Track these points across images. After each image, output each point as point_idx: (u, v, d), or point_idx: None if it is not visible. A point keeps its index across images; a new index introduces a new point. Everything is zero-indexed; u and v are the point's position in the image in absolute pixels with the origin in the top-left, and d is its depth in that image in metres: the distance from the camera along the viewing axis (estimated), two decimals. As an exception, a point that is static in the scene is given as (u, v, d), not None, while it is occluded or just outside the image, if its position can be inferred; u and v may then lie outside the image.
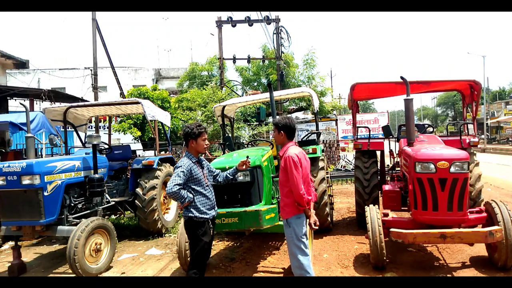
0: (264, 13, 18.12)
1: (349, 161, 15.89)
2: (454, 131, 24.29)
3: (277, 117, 4.09)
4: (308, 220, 3.71)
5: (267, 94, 6.62)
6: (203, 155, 4.32)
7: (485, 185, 7.52)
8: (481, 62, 61.29)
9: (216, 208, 4.06)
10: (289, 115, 4.21)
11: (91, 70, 16.14)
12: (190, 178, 3.77)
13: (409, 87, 5.24)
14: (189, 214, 3.78)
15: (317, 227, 3.75)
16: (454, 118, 55.28)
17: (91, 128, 17.04)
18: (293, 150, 3.71)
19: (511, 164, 18.52)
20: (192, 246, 3.88)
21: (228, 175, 4.23)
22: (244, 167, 4.20)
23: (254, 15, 25.80)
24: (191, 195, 3.75)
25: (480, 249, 5.35)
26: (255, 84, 25.74)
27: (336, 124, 21.55)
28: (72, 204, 5.81)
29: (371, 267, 4.96)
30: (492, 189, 10.82)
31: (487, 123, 37.71)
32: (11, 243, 6.36)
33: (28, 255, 6.46)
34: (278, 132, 3.87)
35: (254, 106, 17.33)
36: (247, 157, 4.25)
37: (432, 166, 4.57)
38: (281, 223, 4.75)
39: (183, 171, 3.70)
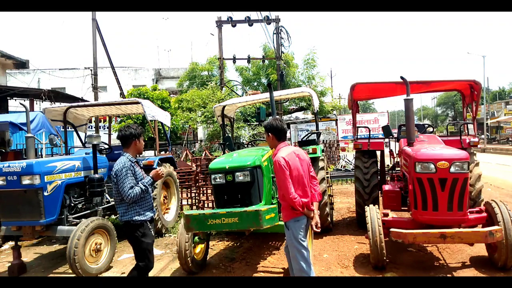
0: (264, 13, 18.13)
1: (349, 161, 15.89)
2: (454, 131, 24.32)
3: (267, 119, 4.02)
4: (310, 221, 3.66)
5: (267, 94, 6.63)
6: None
7: (485, 185, 7.52)
8: (481, 62, 61.39)
9: (154, 209, 3.96)
10: (277, 116, 4.16)
11: (91, 70, 16.15)
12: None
13: (409, 87, 5.24)
14: (127, 218, 3.73)
15: (318, 230, 3.70)
16: (454, 118, 55.29)
17: (91, 128, 17.04)
18: (281, 153, 3.62)
19: (511, 164, 18.52)
20: (134, 249, 3.83)
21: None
22: (157, 178, 3.94)
23: (254, 15, 25.86)
24: (139, 186, 3.70)
25: (480, 249, 5.35)
26: (255, 84, 25.73)
27: (336, 124, 21.54)
28: (72, 204, 5.81)
29: (371, 267, 4.96)
30: (492, 189, 10.82)
31: (487, 123, 37.72)
32: (11, 243, 6.36)
33: (28, 255, 6.46)
34: (267, 134, 3.84)
35: (254, 106, 17.33)
36: (158, 168, 3.99)
37: (432, 166, 4.57)
38: (281, 223, 4.75)
39: (130, 170, 3.66)
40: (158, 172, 3.90)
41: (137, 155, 4.02)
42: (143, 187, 3.72)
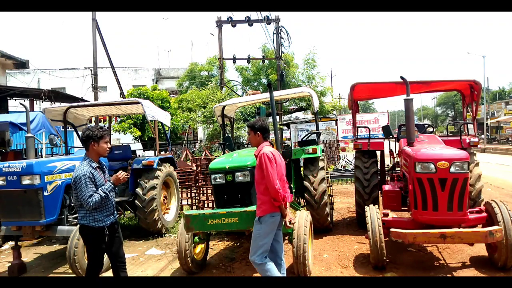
0: (264, 13, 18.07)
1: (349, 161, 15.88)
2: (454, 131, 24.31)
3: (252, 120, 4.13)
4: (283, 219, 3.76)
5: (267, 94, 6.63)
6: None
7: (485, 185, 7.51)
8: (481, 62, 61.38)
9: (115, 213, 3.93)
10: (263, 116, 4.26)
11: (91, 70, 16.13)
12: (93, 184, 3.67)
13: (409, 87, 5.24)
14: (84, 222, 3.71)
15: (291, 226, 3.85)
16: (454, 118, 55.29)
17: (91, 128, 16.98)
18: (267, 149, 3.82)
19: (511, 164, 18.52)
20: (87, 252, 3.91)
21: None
22: (117, 182, 3.85)
23: (254, 15, 25.79)
24: (98, 193, 3.66)
25: (480, 249, 5.35)
26: (255, 84, 25.70)
27: (336, 124, 21.55)
28: (72, 204, 5.81)
29: (371, 267, 4.96)
30: (492, 189, 10.82)
31: (487, 123, 37.71)
32: (11, 243, 6.36)
33: (28, 255, 6.46)
34: (254, 133, 3.95)
35: (254, 106, 17.32)
36: (119, 172, 3.88)
37: (432, 166, 4.57)
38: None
39: (89, 178, 3.60)
40: (118, 176, 3.81)
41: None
42: (103, 194, 3.64)
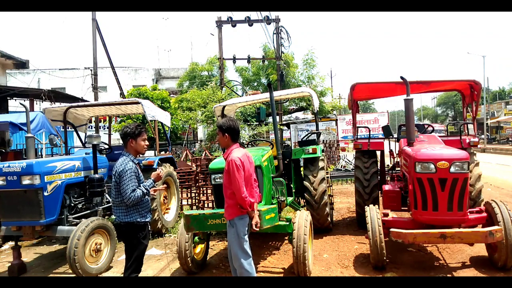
0: (264, 13, 18.06)
1: (349, 161, 15.88)
2: (454, 131, 24.33)
3: (221, 119, 4.03)
4: (250, 220, 3.74)
5: (267, 94, 6.63)
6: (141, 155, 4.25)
7: (485, 185, 7.52)
8: (481, 62, 61.35)
9: (151, 212, 3.98)
10: (232, 117, 4.18)
11: (91, 70, 16.13)
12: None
13: (409, 87, 5.24)
14: (129, 219, 3.71)
15: (257, 229, 3.76)
16: (454, 118, 55.34)
17: (91, 128, 17.03)
18: (236, 153, 3.71)
19: (511, 164, 18.51)
20: (130, 250, 3.80)
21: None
22: (158, 179, 3.97)
23: (254, 15, 25.79)
24: (141, 189, 3.70)
25: (480, 249, 5.35)
26: (255, 84, 25.72)
27: (336, 124, 21.57)
28: (72, 204, 5.81)
29: (371, 267, 4.96)
30: (492, 189, 10.82)
31: (487, 123, 37.71)
32: (11, 243, 6.36)
33: (28, 255, 6.46)
34: (222, 134, 3.85)
35: (254, 106, 17.31)
36: (159, 170, 4.01)
37: (432, 166, 4.57)
38: (281, 223, 4.76)
39: (134, 172, 3.67)
40: (159, 173, 3.91)
41: (138, 155, 4.03)
42: (145, 191, 3.70)
